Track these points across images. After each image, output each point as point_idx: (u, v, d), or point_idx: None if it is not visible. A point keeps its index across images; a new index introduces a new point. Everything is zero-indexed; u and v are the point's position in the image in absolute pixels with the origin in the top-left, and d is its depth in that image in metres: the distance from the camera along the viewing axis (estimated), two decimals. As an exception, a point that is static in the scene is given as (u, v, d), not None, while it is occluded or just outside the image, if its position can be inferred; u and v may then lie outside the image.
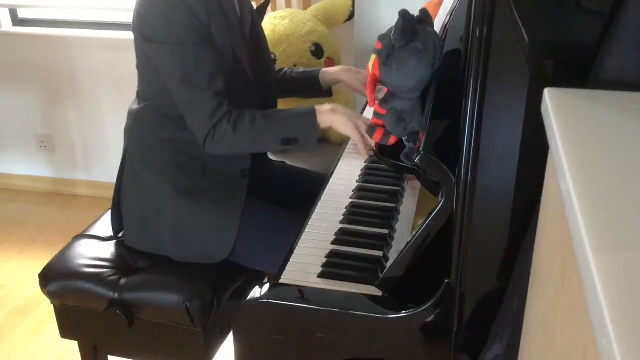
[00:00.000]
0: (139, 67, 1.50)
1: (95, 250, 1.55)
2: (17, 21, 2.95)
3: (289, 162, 1.88)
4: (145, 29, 1.39)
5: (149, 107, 1.51)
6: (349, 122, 1.44)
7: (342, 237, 1.26)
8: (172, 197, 1.47)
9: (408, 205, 1.36)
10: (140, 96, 1.54)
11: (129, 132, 1.55)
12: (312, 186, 1.58)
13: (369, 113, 1.60)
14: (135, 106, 1.54)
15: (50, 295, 1.49)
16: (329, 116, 1.43)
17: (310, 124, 1.43)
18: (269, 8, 2.42)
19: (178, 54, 1.37)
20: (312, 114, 1.43)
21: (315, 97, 1.78)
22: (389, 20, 1.19)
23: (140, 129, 1.53)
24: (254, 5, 1.69)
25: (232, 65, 1.44)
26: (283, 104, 2.19)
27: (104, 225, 1.64)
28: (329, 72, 1.75)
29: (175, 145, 1.49)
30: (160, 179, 1.49)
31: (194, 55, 1.37)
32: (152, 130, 1.51)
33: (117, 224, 1.58)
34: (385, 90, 1.23)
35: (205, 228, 1.47)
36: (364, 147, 1.46)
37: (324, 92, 1.77)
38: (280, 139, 1.42)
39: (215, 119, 1.39)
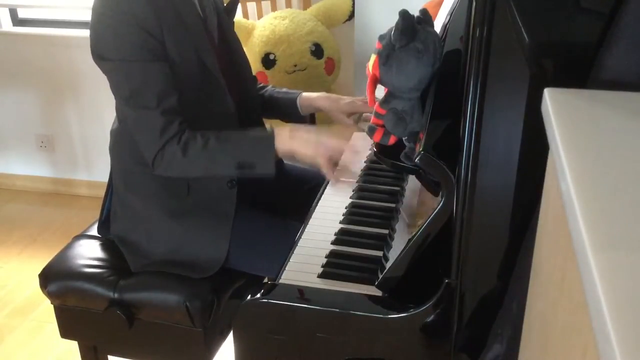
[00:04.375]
0: (110, 86, 1.44)
1: (95, 250, 1.55)
2: (17, 21, 2.95)
3: (287, 162, 1.86)
4: (97, 46, 1.34)
5: (124, 127, 1.46)
6: (309, 149, 1.33)
7: (342, 237, 1.26)
8: (161, 222, 1.44)
9: (408, 206, 1.35)
10: (117, 115, 1.50)
11: (112, 152, 1.53)
12: (312, 186, 1.58)
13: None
14: (115, 125, 1.51)
15: (50, 295, 1.49)
16: (287, 141, 1.34)
17: (266, 150, 1.33)
18: (269, 8, 2.43)
19: (124, 71, 1.31)
20: (270, 138, 1.34)
21: (296, 122, 1.63)
22: (389, 20, 1.18)
23: (121, 151, 1.50)
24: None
25: (199, 71, 1.38)
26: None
27: (104, 225, 1.63)
28: (307, 98, 1.62)
29: None
30: (146, 204, 1.46)
31: (141, 72, 1.30)
32: (131, 152, 1.45)
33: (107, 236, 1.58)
34: (384, 90, 1.23)
35: (195, 248, 1.44)
36: (331, 174, 1.37)
37: (302, 118, 1.63)
38: (235, 164, 1.34)
39: (164, 140, 1.32)
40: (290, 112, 1.65)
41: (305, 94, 1.64)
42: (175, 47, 1.34)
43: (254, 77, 1.78)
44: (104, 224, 1.57)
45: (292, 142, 1.34)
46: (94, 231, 1.62)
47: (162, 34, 1.31)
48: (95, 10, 1.33)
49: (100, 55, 1.34)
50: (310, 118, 1.66)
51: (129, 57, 1.30)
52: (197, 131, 1.35)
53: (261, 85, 1.74)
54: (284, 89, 1.70)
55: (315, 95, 1.64)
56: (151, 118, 1.32)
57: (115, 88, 1.36)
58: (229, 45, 1.56)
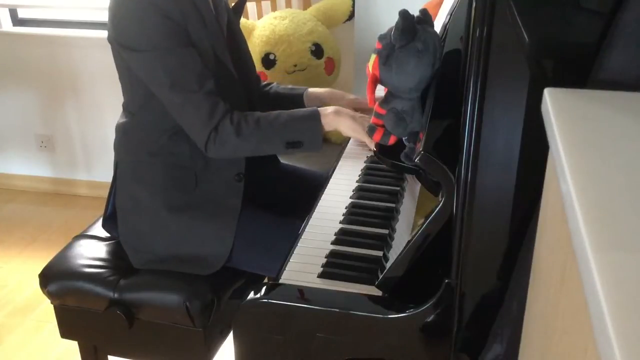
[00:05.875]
0: (120, 78, 1.46)
1: (95, 250, 1.55)
2: (17, 21, 2.95)
3: (288, 162, 1.87)
4: (122, 37, 1.34)
5: (135, 120, 1.47)
6: (356, 125, 1.40)
7: (342, 237, 1.26)
8: (166, 215, 1.45)
9: (408, 205, 1.35)
10: (125, 109, 1.50)
11: (118, 147, 1.53)
12: (312, 186, 1.58)
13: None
14: (122, 120, 1.51)
15: (50, 295, 1.49)
16: (334, 119, 1.40)
17: (314, 127, 1.39)
18: (269, 8, 2.43)
19: (160, 60, 1.31)
20: (317, 116, 1.40)
21: None
22: (389, 20, 1.19)
23: (129, 144, 1.50)
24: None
25: (214, 64, 1.40)
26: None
27: (104, 225, 1.63)
28: (313, 93, 1.69)
29: (165, 158, 1.45)
30: (153, 195, 1.46)
31: (176, 59, 1.32)
32: (140, 144, 1.47)
33: (112, 232, 1.58)
34: (384, 90, 1.23)
35: (200, 241, 1.44)
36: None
37: None
38: (284, 143, 1.39)
39: (214, 121, 1.35)
40: (296, 107, 1.66)
41: (311, 90, 1.70)
42: (194, 38, 1.35)
43: (258, 76, 1.79)
44: (109, 219, 1.57)
45: (339, 119, 1.40)
46: (94, 231, 1.62)
47: (185, 21, 1.33)
48: (115, 3, 1.33)
49: (130, 47, 1.33)
50: None
51: (162, 45, 1.31)
52: (246, 112, 1.39)
53: (265, 82, 1.76)
54: (289, 86, 1.75)
55: (322, 90, 1.70)
56: (196, 101, 1.34)
57: (152, 78, 1.35)
58: (237, 43, 1.58)
